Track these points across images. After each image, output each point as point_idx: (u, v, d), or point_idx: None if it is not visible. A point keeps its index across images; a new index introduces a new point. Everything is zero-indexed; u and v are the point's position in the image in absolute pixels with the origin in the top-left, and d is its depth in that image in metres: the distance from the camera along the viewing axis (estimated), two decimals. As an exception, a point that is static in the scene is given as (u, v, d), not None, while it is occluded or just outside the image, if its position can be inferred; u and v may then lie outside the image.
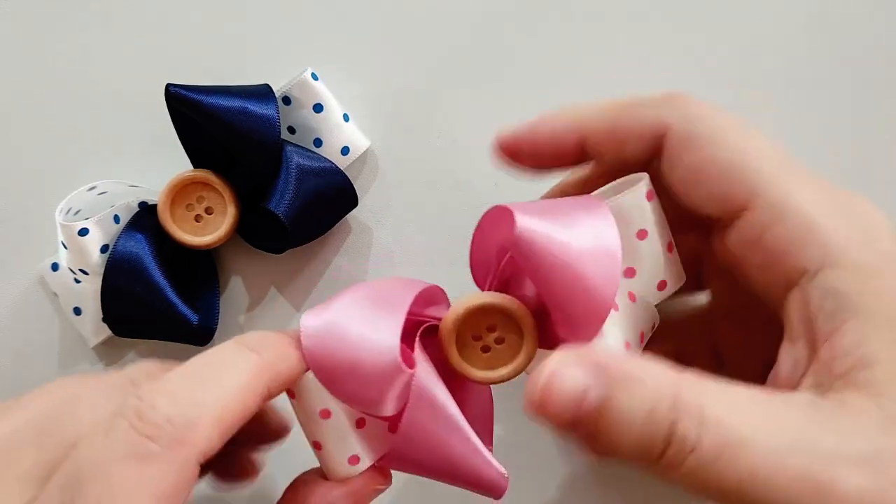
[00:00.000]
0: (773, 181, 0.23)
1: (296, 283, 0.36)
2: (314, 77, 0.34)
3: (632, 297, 0.25)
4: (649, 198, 0.25)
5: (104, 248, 0.33)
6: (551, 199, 0.26)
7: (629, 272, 0.25)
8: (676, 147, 0.25)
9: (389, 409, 0.23)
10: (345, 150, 0.35)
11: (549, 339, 0.24)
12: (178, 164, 0.33)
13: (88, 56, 0.36)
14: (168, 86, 0.32)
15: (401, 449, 0.23)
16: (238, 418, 0.22)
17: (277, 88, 0.34)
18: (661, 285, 0.26)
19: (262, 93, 0.33)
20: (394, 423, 0.24)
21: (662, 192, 0.26)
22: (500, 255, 0.25)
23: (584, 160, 0.27)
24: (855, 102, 0.35)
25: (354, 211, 0.35)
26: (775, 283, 0.23)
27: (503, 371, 0.24)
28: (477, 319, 0.24)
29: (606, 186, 0.26)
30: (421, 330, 0.24)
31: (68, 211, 0.33)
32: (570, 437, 0.21)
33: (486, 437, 0.26)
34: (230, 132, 0.32)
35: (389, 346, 0.22)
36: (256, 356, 0.23)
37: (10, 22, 0.36)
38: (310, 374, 0.24)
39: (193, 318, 0.33)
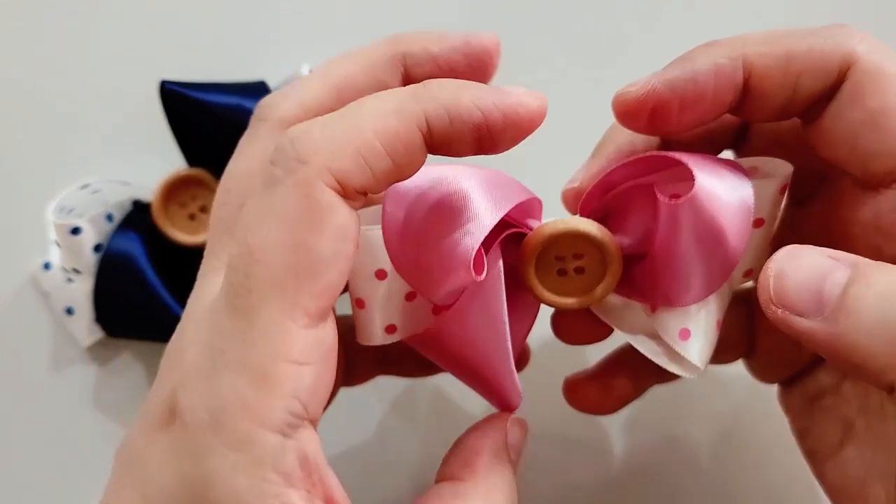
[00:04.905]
0: None
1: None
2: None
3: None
4: (782, 192, 0.24)
5: (97, 247, 0.33)
6: (696, 155, 0.23)
7: None
8: (860, 86, 0.21)
9: (442, 300, 0.22)
10: (342, 149, 0.34)
11: (627, 289, 0.24)
12: (173, 161, 0.33)
13: (81, 52, 0.36)
14: (162, 82, 0.31)
15: (438, 335, 0.23)
16: (380, 144, 0.19)
17: (274, 85, 0.33)
18: (749, 273, 0.25)
19: (258, 89, 0.32)
20: (438, 308, 0.24)
21: (799, 146, 0.24)
22: (605, 190, 0.23)
23: (734, 107, 0.23)
24: None
25: (352, 210, 0.34)
26: None
27: (571, 300, 0.24)
28: (567, 243, 0.23)
29: (749, 159, 0.24)
30: (507, 233, 0.23)
31: (61, 209, 0.33)
32: (803, 339, 0.20)
33: (514, 353, 0.25)
34: (225, 129, 0.31)
35: (468, 247, 0.20)
36: (419, 88, 0.20)
37: (1, 19, 0.36)
38: (377, 232, 0.22)
39: (187, 318, 0.33)
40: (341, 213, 0.19)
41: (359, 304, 0.24)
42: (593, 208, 0.24)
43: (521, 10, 0.36)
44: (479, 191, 0.21)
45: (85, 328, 0.34)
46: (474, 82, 0.20)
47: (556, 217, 0.23)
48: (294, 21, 0.36)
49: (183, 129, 0.32)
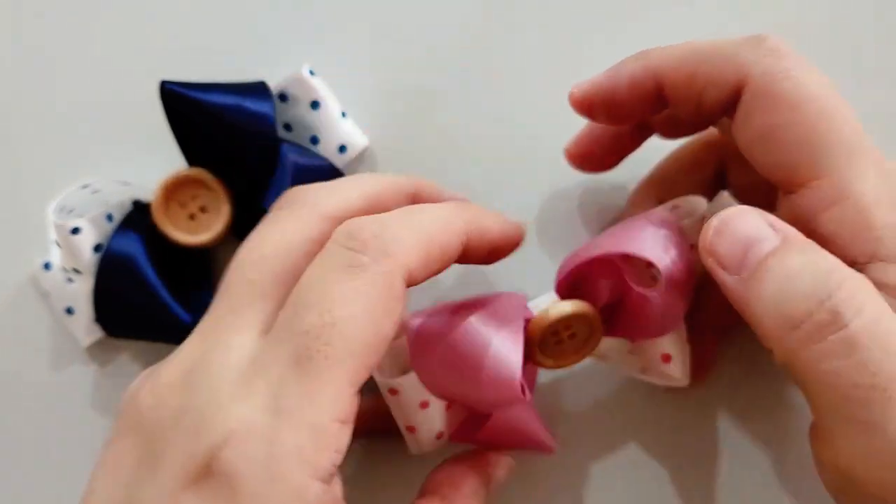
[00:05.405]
0: (844, 162, 0.22)
1: (292, 283, 0.35)
2: (311, 73, 0.34)
3: None
4: (702, 222, 0.27)
5: (97, 247, 0.33)
6: (636, 224, 0.26)
7: None
8: (752, 104, 0.23)
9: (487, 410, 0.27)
10: (342, 149, 0.34)
11: (608, 331, 0.28)
12: (173, 161, 0.33)
13: (81, 52, 0.36)
14: (162, 82, 0.31)
15: (485, 435, 0.28)
16: (439, 250, 0.23)
17: (274, 85, 0.33)
18: None
19: (258, 89, 0.32)
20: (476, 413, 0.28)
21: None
22: (579, 269, 0.27)
23: (663, 108, 0.26)
24: None
25: (352, 210, 0.34)
26: None
27: (571, 360, 0.28)
28: (563, 323, 0.27)
29: (672, 201, 0.28)
30: None
31: (61, 209, 0.33)
32: (723, 290, 0.23)
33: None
34: (225, 129, 0.31)
35: (515, 364, 0.25)
36: (461, 207, 0.25)
37: (1, 19, 0.36)
38: (412, 376, 0.26)
39: (187, 318, 0.33)
40: (403, 301, 0.22)
41: (410, 430, 0.28)
42: (566, 282, 0.27)
43: (514, 10, 0.36)
44: (491, 320, 0.26)
45: (85, 328, 0.34)
46: (488, 211, 0.26)
47: (541, 298, 0.28)
48: (294, 22, 0.36)
49: (183, 129, 0.32)
